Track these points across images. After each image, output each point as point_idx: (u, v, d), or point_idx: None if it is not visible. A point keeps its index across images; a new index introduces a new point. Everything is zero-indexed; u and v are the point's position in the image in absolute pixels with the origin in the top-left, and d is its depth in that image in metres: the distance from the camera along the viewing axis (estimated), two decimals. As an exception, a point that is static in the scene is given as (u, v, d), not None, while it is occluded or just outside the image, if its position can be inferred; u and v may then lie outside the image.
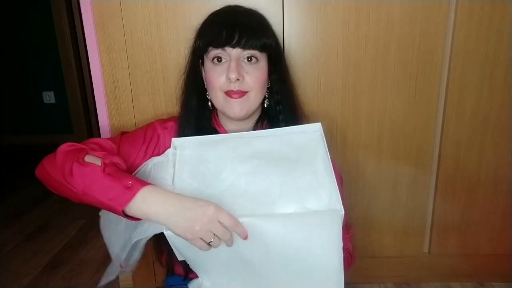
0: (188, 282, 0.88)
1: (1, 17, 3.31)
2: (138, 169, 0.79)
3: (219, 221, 0.66)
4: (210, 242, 0.67)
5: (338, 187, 0.95)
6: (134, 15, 1.14)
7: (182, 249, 0.72)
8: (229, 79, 0.80)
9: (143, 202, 0.67)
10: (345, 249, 0.93)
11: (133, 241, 0.68)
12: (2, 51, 3.39)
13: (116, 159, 0.74)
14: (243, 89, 0.82)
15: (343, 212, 0.66)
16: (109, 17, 1.14)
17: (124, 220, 0.71)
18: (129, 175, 0.71)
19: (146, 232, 0.68)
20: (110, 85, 1.20)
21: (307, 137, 0.77)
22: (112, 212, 0.69)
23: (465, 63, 1.21)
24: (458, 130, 1.27)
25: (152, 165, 0.77)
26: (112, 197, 0.67)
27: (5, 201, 2.35)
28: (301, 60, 1.19)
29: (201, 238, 0.66)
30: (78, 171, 0.69)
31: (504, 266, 1.42)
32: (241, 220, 0.67)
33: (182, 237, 0.67)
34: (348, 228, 0.99)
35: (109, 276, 0.70)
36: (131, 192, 0.67)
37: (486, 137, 1.28)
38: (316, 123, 0.79)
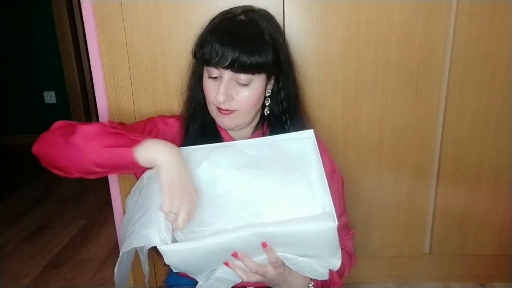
0: (184, 279, 0.89)
1: (2, 18, 3.31)
2: (137, 184, 0.79)
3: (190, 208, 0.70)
4: (171, 212, 0.69)
5: (339, 188, 0.96)
6: (135, 15, 1.14)
7: (177, 264, 0.72)
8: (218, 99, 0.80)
9: (152, 146, 0.71)
10: (346, 250, 0.93)
11: (120, 253, 0.68)
12: (3, 51, 3.39)
13: (115, 124, 0.76)
14: (231, 108, 0.82)
15: (337, 223, 0.66)
16: (110, 17, 1.14)
17: (132, 253, 0.72)
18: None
19: (132, 243, 0.67)
20: (111, 85, 1.20)
21: (300, 144, 0.78)
22: (119, 160, 0.70)
23: (465, 63, 1.21)
24: (459, 130, 1.27)
25: (146, 179, 0.76)
26: (123, 143, 0.69)
27: (5, 201, 2.35)
28: (302, 60, 1.18)
29: (170, 202, 0.69)
30: (81, 129, 0.71)
31: (505, 266, 1.42)
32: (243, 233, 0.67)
33: (161, 185, 0.70)
34: (348, 228, 0.99)
35: None
36: (139, 139, 0.72)
37: (487, 137, 1.28)
38: (309, 130, 0.78)
